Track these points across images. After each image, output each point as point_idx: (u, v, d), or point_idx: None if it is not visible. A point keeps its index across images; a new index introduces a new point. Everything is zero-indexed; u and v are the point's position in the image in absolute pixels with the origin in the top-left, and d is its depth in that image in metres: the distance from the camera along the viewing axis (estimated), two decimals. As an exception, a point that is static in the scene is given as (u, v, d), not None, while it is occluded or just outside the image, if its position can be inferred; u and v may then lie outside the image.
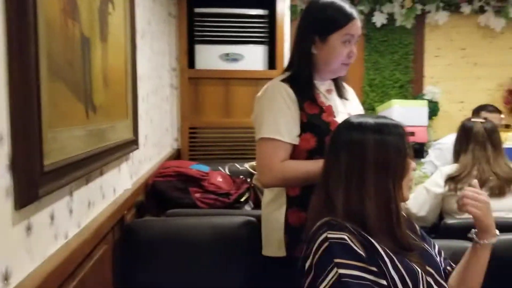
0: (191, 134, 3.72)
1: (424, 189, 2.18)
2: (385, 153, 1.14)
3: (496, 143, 2.10)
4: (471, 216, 2.00)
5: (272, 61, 3.70)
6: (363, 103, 4.41)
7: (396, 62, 4.44)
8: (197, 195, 2.26)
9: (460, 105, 4.60)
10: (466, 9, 4.32)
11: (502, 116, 4.22)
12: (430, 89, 4.39)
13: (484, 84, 4.62)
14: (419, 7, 4.28)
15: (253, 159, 3.20)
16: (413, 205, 2.15)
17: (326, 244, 1.09)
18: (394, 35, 4.40)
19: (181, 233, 1.78)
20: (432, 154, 3.19)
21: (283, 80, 1.52)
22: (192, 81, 3.68)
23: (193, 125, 3.71)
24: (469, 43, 4.56)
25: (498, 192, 2.00)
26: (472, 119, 2.19)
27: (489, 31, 4.48)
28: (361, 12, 4.28)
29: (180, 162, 2.87)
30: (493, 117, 3.01)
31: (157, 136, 2.94)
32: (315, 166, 1.42)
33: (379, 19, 4.30)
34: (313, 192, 1.39)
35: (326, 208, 1.19)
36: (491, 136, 2.11)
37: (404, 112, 4.03)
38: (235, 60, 3.60)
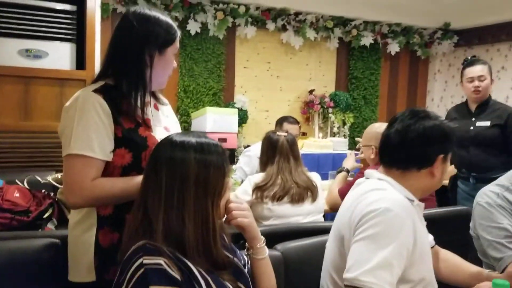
0: (-21, 139, 3.18)
1: (234, 197, 2.29)
2: (206, 172, 1.14)
3: (296, 155, 2.34)
4: (276, 222, 2.21)
5: (80, 61, 3.41)
6: (177, 108, 4.48)
7: (210, 70, 4.60)
8: (-13, 214, 1.94)
9: (266, 113, 5.02)
10: (271, 26, 4.73)
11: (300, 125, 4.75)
12: (239, 98, 4.67)
13: (285, 96, 5.13)
14: (230, 19, 4.51)
15: (57, 167, 2.92)
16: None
17: (141, 270, 1.04)
18: (208, 44, 4.55)
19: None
20: (242, 161, 3.40)
21: (96, 91, 1.39)
22: (-17, 78, 3.16)
23: (-18, 129, 3.18)
24: (274, 57, 5.01)
25: (298, 198, 2.23)
26: (277, 133, 2.38)
27: (290, 48, 5.00)
28: (175, 18, 4.31)
29: (-36, 174, 2.42)
30: (293, 128, 3.35)
31: None
32: (130, 183, 1.35)
33: (193, 27, 4.38)
34: (127, 210, 1.33)
35: (143, 229, 1.14)
36: (292, 148, 2.34)
37: (216, 119, 4.19)
38: (37, 57, 3.21)
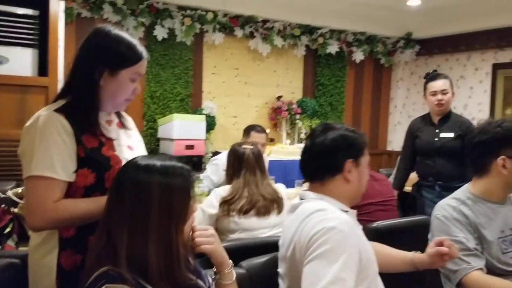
0: None
1: (200, 210, 2.29)
2: (170, 196, 1.14)
3: (262, 167, 2.36)
4: (242, 236, 2.22)
5: (43, 67, 3.33)
6: (144, 115, 4.43)
7: (177, 76, 4.57)
8: None
9: (234, 119, 5.03)
10: (239, 32, 4.75)
11: (268, 131, 4.78)
12: (207, 104, 4.66)
13: (253, 102, 5.16)
14: (197, 26, 4.50)
15: (18, 176, 2.83)
16: (192, 226, 2.24)
17: (104, 298, 1.03)
18: (175, 50, 4.52)
19: None
20: (209, 170, 3.39)
21: (58, 110, 1.37)
22: None
23: None
24: (242, 63, 5.03)
25: (264, 211, 2.25)
26: (243, 146, 2.39)
27: (258, 55, 5.03)
28: (142, 24, 4.27)
29: None
30: (260, 136, 3.37)
31: None
32: (94, 205, 1.33)
33: (160, 32, 4.35)
34: (90, 231, 1.31)
35: (106, 254, 1.13)
36: (258, 161, 2.35)
37: (184, 125, 4.17)
38: (-3, 62, 3.12)
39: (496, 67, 5.11)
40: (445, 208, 1.81)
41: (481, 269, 1.66)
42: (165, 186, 1.15)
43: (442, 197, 1.99)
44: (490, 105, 5.17)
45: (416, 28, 5.68)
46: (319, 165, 1.47)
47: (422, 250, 1.97)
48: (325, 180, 1.46)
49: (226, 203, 2.23)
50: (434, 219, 1.83)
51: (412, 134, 3.31)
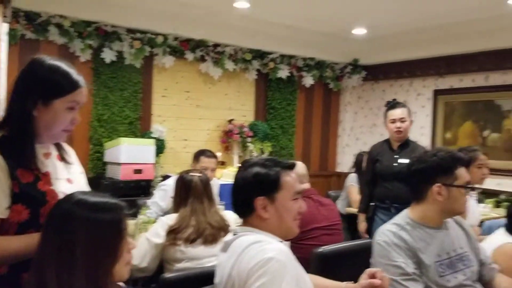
0: None
1: (145, 239, 2.24)
2: (97, 233, 1.10)
3: (210, 195, 2.35)
4: (188, 265, 2.17)
5: (-17, 90, 3.18)
6: (90, 138, 4.31)
7: (126, 99, 4.50)
8: None
9: (184, 142, 4.99)
10: (189, 56, 4.76)
11: (220, 154, 4.77)
12: (157, 128, 4.60)
13: (205, 125, 5.15)
14: (147, 48, 4.47)
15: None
16: (135, 256, 2.18)
17: None
18: (124, 72, 4.46)
19: None
20: (157, 195, 3.33)
21: None
22: None
23: None
24: (193, 86, 5.02)
25: (211, 239, 2.22)
26: (191, 173, 2.37)
27: (209, 78, 5.05)
28: (89, 46, 4.19)
29: None
30: (210, 161, 3.36)
31: None
32: (27, 242, 1.26)
33: (108, 55, 4.28)
34: (23, 268, 1.25)
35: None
36: (206, 188, 2.34)
37: (132, 150, 4.10)
38: None
39: (437, 93, 5.39)
40: (386, 233, 1.86)
41: (419, 293, 1.71)
42: (93, 222, 1.11)
43: None
44: (431, 128, 5.42)
45: (362, 55, 5.91)
46: (236, 203, 1.51)
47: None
48: (247, 217, 1.49)
49: (173, 232, 2.19)
50: (376, 244, 1.88)
51: (372, 159, 3.42)
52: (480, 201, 4.46)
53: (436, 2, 4.14)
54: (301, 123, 5.91)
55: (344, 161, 6.16)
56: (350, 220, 4.16)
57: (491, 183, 4.61)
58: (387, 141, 3.41)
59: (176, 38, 4.64)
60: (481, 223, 3.17)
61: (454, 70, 5.17)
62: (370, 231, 3.47)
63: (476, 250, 1.92)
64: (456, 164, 1.83)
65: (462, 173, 1.83)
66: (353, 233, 4.11)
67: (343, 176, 5.63)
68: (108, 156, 4.26)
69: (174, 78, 4.88)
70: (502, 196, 4.55)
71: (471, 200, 2.97)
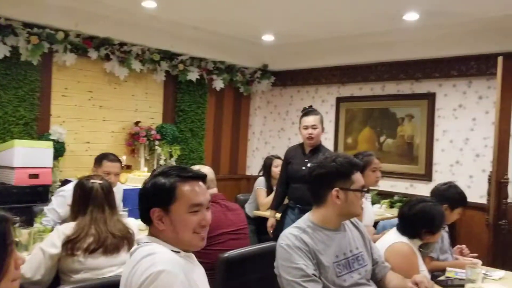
0: None
1: (40, 250, 2.07)
2: None
3: (112, 203, 2.23)
4: (87, 276, 2.05)
5: None
6: (-22, 140, 3.91)
7: (21, 98, 4.15)
8: None
9: (87, 145, 4.73)
10: (93, 54, 4.52)
11: (125, 157, 4.59)
12: (56, 129, 4.31)
13: (109, 127, 4.92)
14: (46, 45, 4.17)
15: None
16: (28, 269, 2.01)
17: None
18: (19, 69, 4.12)
19: None
20: (54, 202, 3.10)
21: None
22: None
23: None
24: (96, 86, 4.78)
25: (113, 249, 2.12)
26: (91, 180, 2.24)
27: (114, 78, 4.84)
28: (-22, 39, 3.82)
29: None
30: (114, 166, 3.20)
31: None
32: None
33: (1, 50, 3.93)
34: None
35: None
36: (108, 196, 2.22)
37: (27, 153, 3.81)
38: None
39: (339, 100, 5.69)
40: (288, 237, 1.91)
41: (318, 293, 1.78)
42: None
43: None
44: (334, 134, 5.71)
45: (271, 61, 6.07)
46: (139, 212, 1.49)
47: (272, 275, 2.05)
48: (149, 226, 1.47)
49: (70, 242, 2.06)
50: (279, 247, 1.92)
51: (286, 160, 3.60)
52: (375, 202, 4.79)
53: (338, 15, 4.37)
54: (211, 126, 5.90)
55: (254, 165, 6.27)
56: (258, 223, 4.23)
57: (386, 185, 5.00)
58: (301, 145, 3.57)
59: (78, 35, 4.39)
60: (376, 223, 3.38)
61: (355, 79, 5.50)
62: (282, 229, 3.58)
63: (370, 250, 2.05)
64: (352, 170, 1.93)
65: (358, 177, 1.94)
66: (261, 236, 4.19)
67: (252, 179, 5.71)
68: (0, 160, 3.90)
69: (76, 77, 4.61)
70: (396, 197, 4.93)
71: (366, 202, 3.16)
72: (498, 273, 2.41)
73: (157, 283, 1.27)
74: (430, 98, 4.93)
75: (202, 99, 5.65)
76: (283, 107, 6.28)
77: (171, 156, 5.20)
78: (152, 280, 1.28)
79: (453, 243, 2.87)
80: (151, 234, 1.47)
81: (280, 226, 3.57)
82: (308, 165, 3.40)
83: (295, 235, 1.90)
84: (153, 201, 1.44)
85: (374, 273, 2.03)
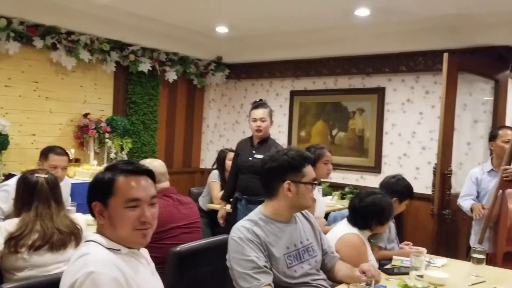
0: None
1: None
2: None
3: (58, 198, 2.14)
4: (32, 273, 1.97)
5: None
6: None
7: (-42, 87, 3.91)
8: None
9: (32, 138, 4.53)
10: (38, 43, 4.32)
11: (73, 151, 4.43)
12: (-1, 121, 4.10)
13: (56, 119, 4.73)
14: (-14, 32, 3.95)
15: None
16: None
17: None
18: (-44, 57, 3.88)
19: None
20: (-4, 197, 2.96)
21: None
22: None
23: None
24: (42, 77, 4.58)
25: (59, 245, 2.04)
26: (36, 174, 2.14)
27: (61, 68, 4.65)
28: None
29: None
30: (61, 159, 3.09)
31: None
32: None
33: None
34: None
35: None
36: (54, 191, 2.14)
37: (-34, 146, 3.59)
38: None
39: (293, 93, 5.74)
40: (240, 229, 1.92)
41: (269, 284, 1.80)
42: None
43: (249, 209, 2.25)
44: (288, 127, 5.77)
45: (226, 54, 6.03)
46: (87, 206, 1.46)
47: (224, 268, 2.05)
48: (96, 220, 1.44)
49: (14, 239, 1.96)
50: (231, 240, 1.93)
51: (236, 152, 3.68)
52: (327, 193, 4.90)
53: (292, 10, 4.40)
54: (164, 119, 5.80)
55: (208, 158, 6.23)
56: (211, 216, 4.21)
57: (338, 177, 5.12)
58: (251, 138, 3.64)
59: (22, 23, 4.17)
60: (327, 215, 3.46)
61: (308, 73, 5.57)
62: (234, 221, 3.60)
63: (320, 240, 2.09)
64: (304, 163, 1.96)
65: (309, 170, 1.97)
66: (214, 229, 4.18)
67: (206, 172, 5.69)
68: None
69: (20, 67, 4.39)
70: (347, 189, 5.06)
71: (317, 194, 3.23)
72: (441, 260, 2.53)
73: (87, 284, 1.25)
74: (380, 92, 5.07)
75: (155, 91, 5.54)
76: (237, 100, 6.27)
77: (122, 149, 5.08)
78: (82, 282, 1.25)
79: (400, 232, 2.99)
80: (97, 229, 1.44)
81: (232, 218, 3.59)
82: (255, 156, 3.46)
83: (247, 228, 1.91)
84: (94, 194, 1.42)
85: (324, 263, 2.08)
